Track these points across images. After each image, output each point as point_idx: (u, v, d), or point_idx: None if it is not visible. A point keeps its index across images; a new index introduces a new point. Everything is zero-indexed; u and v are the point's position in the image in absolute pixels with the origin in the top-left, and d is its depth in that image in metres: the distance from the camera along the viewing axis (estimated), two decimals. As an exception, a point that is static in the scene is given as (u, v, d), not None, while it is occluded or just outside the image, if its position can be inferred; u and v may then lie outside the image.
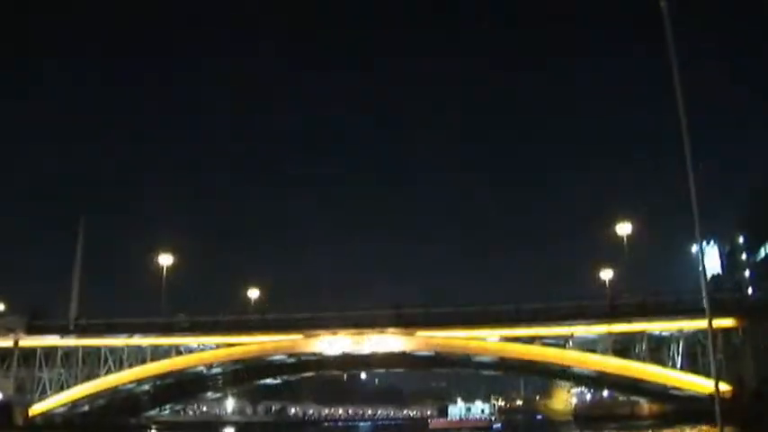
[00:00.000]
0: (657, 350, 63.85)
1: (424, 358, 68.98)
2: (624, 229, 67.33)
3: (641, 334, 62.25)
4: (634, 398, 76.75)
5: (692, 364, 61.75)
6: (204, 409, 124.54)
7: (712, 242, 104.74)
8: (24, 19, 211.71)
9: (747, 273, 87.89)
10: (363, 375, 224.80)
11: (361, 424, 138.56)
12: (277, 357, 70.34)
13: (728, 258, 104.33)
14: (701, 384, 60.34)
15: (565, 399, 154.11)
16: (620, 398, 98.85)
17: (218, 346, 70.50)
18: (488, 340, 64.35)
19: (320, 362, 72.12)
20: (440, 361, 70.16)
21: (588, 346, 64.32)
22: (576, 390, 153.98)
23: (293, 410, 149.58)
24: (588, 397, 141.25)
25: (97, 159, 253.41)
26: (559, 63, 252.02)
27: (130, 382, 71.61)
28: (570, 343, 63.26)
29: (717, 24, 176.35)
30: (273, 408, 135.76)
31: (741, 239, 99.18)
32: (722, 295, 66.99)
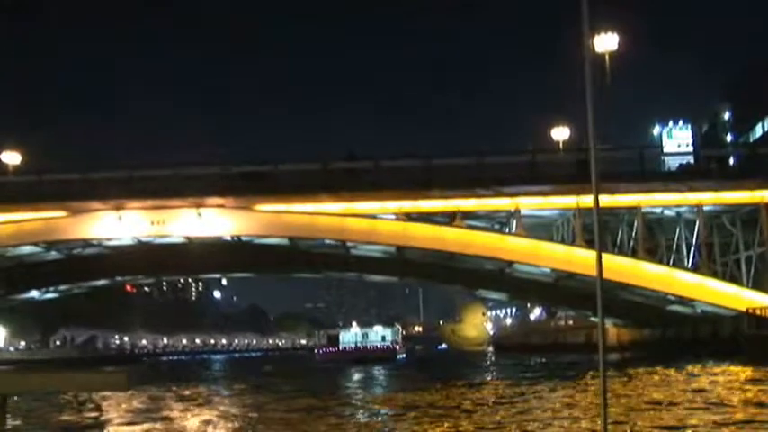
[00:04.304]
0: (650, 240, 39.76)
1: (273, 251, 42.00)
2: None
3: (631, 212, 37.68)
4: (594, 319, 52.62)
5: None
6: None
7: (681, 122, 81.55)
8: None
9: (732, 159, 64.21)
10: (217, 294, 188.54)
11: (214, 357, 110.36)
12: (27, 250, 42.16)
13: (705, 139, 79.80)
14: (724, 293, 36.54)
15: (479, 323, 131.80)
16: (561, 320, 75.67)
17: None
18: (379, 219, 38.13)
19: (105, 258, 44.10)
20: (301, 257, 43.18)
21: (542, 231, 39.53)
22: (491, 313, 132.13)
23: (116, 341, 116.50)
24: (509, 321, 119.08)
25: None
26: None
27: None
28: (515, 225, 37.97)
29: None
30: (75, 338, 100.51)
31: (726, 115, 75.57)
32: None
